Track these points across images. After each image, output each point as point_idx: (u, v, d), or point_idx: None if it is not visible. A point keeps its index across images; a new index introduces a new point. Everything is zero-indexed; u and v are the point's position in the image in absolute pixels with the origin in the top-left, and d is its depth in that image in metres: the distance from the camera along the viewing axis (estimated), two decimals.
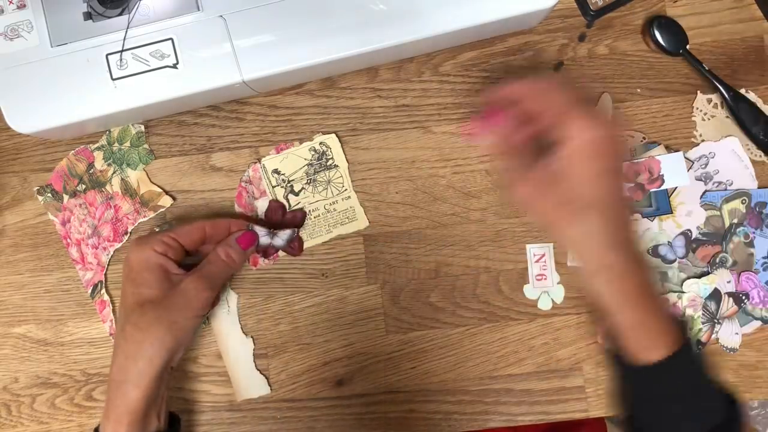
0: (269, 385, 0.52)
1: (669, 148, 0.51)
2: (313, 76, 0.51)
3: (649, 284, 0.39)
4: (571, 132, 0.37)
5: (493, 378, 0.51)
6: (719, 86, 0.50)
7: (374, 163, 0.52)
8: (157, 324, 0.43)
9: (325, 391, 0.52)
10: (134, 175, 0.53)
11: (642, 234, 0.51)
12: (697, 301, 0.51)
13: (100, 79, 0.46)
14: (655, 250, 0.51)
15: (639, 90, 0.52)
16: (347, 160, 0.52)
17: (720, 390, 0.40)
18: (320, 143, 0.52)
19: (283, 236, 0.50)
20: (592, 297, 0.40)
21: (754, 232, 0.51)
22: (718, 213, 0.51)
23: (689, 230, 0.51)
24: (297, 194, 0.52)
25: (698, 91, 0.52)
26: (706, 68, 0.50)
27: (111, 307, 0.53)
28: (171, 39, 0.46)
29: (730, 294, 0.51)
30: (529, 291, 0.52)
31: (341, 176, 0.52)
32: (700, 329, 0.51)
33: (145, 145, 0.53)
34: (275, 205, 0.51)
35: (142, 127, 0.53)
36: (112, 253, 0.53)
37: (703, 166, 0.51)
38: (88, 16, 0.46)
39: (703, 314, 0.51)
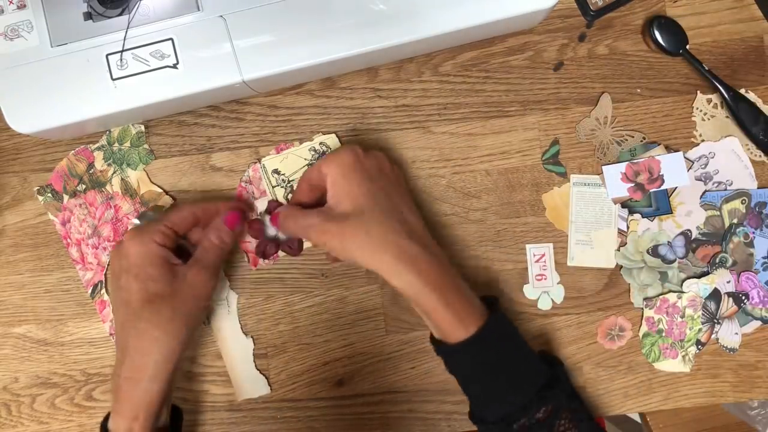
0: (269, 385, 0.52)
1: (669, 148, 0.51)
2: (313, 76, 0.51)
3: (447, 270, 0.42)
4: (324, 173, 0.44)
5: None
6: (719, 86, 0.50)
7: None
8: (172, 319, 0.43)
9: (325, 391, 0.52)
10: (134, 175, 0.53)
11: (642, 234, 0.51)
12: (697, 301, 0.51)
13: (100, 79, 0.46)
14: (655, 250, 0.51)
15: (639, 90, 0.52)
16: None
17: (536, 354, 0.44)
18: (320, 143, 0.52)
19: None
20: (395, 289, 0.42)
21: (753, 232, 0.51)
22: (718, 213, 0.51)
23: (689, 230, 0.51)
24: None
25: (698, 91, 0.52)
26: (706, 68, 0.50)
27: (111, 307, 0.53)
28: (171, 39, 0.46)
29: (729, 294, 0.51)
30: (529, 291, 0.52)
31: None
32: (700, 329, 0.51)
33: (145, 145, 0.53)
34: (275, 205, 0.51)
35: (142, 127, 0.53)
36: None
37: (703, 166, 0.51)
38: (88, 16, 0.46)
39: (703, 314, 0.51)
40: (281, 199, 0.52)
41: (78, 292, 0.53)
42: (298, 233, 0.46)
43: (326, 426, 0.52)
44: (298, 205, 0.46)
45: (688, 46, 0.51)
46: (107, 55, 0.46)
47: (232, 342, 0.52)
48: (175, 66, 0.46)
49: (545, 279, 0.52)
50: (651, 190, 0.51)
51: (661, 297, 0.51)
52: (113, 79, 0.46)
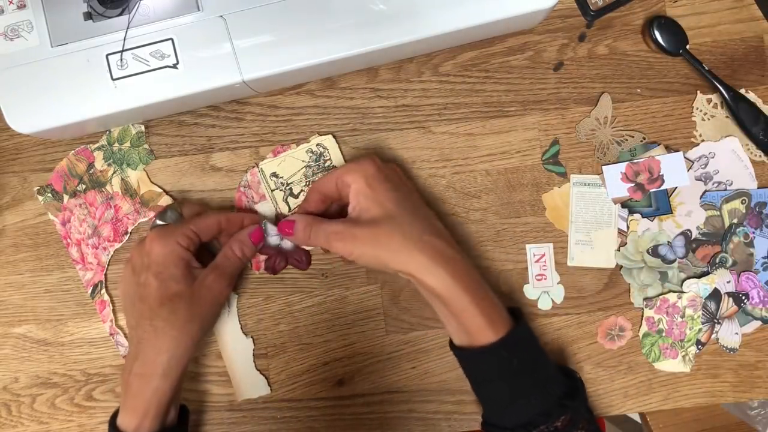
0: (269, 386, 0.52)
1: (669, 148, 0.51)
2: (313, 76, 0.51)
3: (476, 274, 0.44)
4: (348, 182, 0.44)
5: None
6: (719, 86, 0.50)
7: None
8: (190, 320, 0.44)
9: (325, 391, 0.52)
10: (134, 175, 0.53)
11: (642, 234, 0.51)
12: (697, 301, 0.51)
13: (100, 79, 0.46)
14: (655, 250, 0.51)
15: (639, 90, 0.52)
16: (345, 161, 0.52)
17: (556, 364, 0.45)
18: (317, 144, 0.52)
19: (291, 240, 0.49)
20: (428, 289, 0.42)
21: (753, 232, 0.51)
22: (718, 213, 0.51)
23: (689, 230, 0.51)
24: (296, 197, 0.52)
25: (698, 91, 0.52)
26: (706, 68, 0.50)
27: (111, 307, 0.53)
28: (171, 39, 0.46)
29: (729, 294, 0.51)
30: (529, 291, 0.52)
31: None
32: (700, 329, 0.51)
33: (145, 145, 0.53)
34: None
35: (142, 127, 0.53)
36: (112, 253, 0.53)
37: (703, 166, 0.51)
38: (88, 16, 0.46)
39: (703, 314, 0.51)
40: (280, 202, 0.52)
41: (78, 292, 0.53)
42: (318, 241, 0.45)
43: (326, 426, 0.52)
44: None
45: (688, 46, 0.51)
46: (107, 55, 0.46)
47: (233, 342, 0.52)
48: (175, 66, 0.46)
49: (545, 279, 0.52)
50: (651, 190, 0.51)
51: (661, 297, 0.51)
52: (113, 79, 0.46)
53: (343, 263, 0.52)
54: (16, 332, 0.54)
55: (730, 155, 0.51)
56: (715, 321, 0.51)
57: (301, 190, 0.52)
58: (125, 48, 0.46)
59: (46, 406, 0.53)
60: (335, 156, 0.52)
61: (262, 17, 0.45)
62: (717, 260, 0.51)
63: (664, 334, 0.51)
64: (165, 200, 0.53)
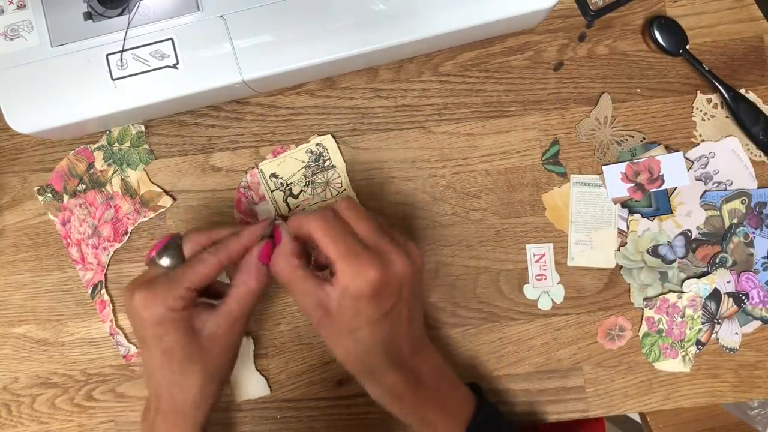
0: (269, 386, 0.52)
1: (669, 148, 0.51)
2: (313, 76, 0.51)
3: (436, 370, 0.42)
4: (343, 277, 0.38)
5: (493, 378, 0.51)
6: (719, 86, 0.50)
7: (374, 163, 0.52)
8: (195, 379, 0.40)
9: (325, 391, 0.52)
10: (134, 175, 0.53)
11: (642, 234, 0.51)
12: (697, 301, 0.51)
13: (100, 79, 0.46)
14: (655, 250, 0.51)
15: (639, 90, 0.52)
16: (344, 161, 0.52)
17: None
18: (317, 144, 0.52)
19: None
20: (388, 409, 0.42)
21: (753, 232, 0.51)
22: (718, 213, 0.51)
23: (689, 230, 0.51)
24: (296, 197, 0.52)
25: (698, 91, 0.52)
26: (706, 68, 0.50)
27: (111, 307, 0.53)
28: (171, 39, 0.46)
29: (729, 294, 0.51)
30: (529, 291, 0.52)
31: (339, 177, 0.52)
32: (700, 329, 0.51)
33: (145, 145, 0.53)
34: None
35: (142, 127, 0.53)
36: (112, 253, 0.53)
37: (703, 166, 0.51)
38: (88, 16, 0.46)
39: (703, 314, 0.51)
40: (280, 203, 0.52)
41: (78, 292, 0.53)
42: (292, 294, 0.41)
43: (326, 426, 0.52)
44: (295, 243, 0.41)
45: (688, 46, 0.51)
46: (107, 55, 0.46)
47: None
48: (175, 66, 0.46)
49: (545, 279, 0.52)
50: (651, 190, 0.51)
51: (661, 297, 0.51)
52: (113, 79, 0.46)
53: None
54: (16, 332, 0.54)
55: (730, 155, 0.51)
56: (715, 321, 0.51)
57: (301, 190, 0.52)
58: (125, 48, 0.46)
59: (46, 406, 0.53)
60: (334, 156, 0.52)
61: (262, 17, 0.45)
62: (717, 260, 0.51)
63: (664, 334, 0.51)
64: (165, 200, 0.53)
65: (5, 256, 0.54)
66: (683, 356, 0.51)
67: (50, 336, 0.53)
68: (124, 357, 0.53)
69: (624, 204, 0.51)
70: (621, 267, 0.51)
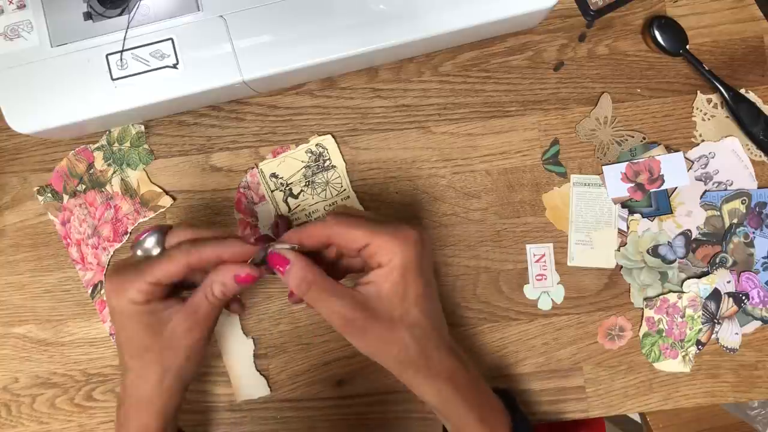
0: (269, 386, 0.52)
1: (669, 148, 0.51)
2: (313, 76, 0.51)
3: (476, 380, 0.41)
4: (379, 262, 0.38)
5: (493, 378, 0.51)
6: (719, 86, 0.50)
7: (374, 163, 0.52)
8: (153, 370, 0.40)
9: (325, 391, 0.52)
10: (134, 175, 0.53)
11: (642, 234, 0.51)
12: (697, 301, 0.51)
13: (100, 79, 0.46)
14: (655, 250, 0.51)
15: (639, 90, 0.52)
16: (345, 161, 0.52)
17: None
18: (317, 144, 0.52)
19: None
20: (428, 404, 0.41)
21: (754, 232, 0.51)
22: (718, 213, 0.51)
23: (689, 230, 0.51)
24: (296, 197, 0.52)
25: (698, 91, 0.52)
26: (706, 68, 0.50)
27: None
28: (171, 39, 0.46)
29: (730, 294, 0.51)
30: (529, 291, 0.52)
31: (339, 177, 0.52)
32: (700, 329, 0.51)
33: (145, 145, 0.53)
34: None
35: (142, 127, 0.53)
36: (112, 253, 0.53)
37: (703, 166, 0.51)
38: (88, 16, 0.46)
39: (703, 314, 0.51)
40: (280, 203, 0.52)
41: (78, 292, 0.53)
42: (315, 306, 0.39)
43: (326, 426, 0.52)
44: (305, 255, 0.39)
45: (688, 46, 0.51)
46: (107, 55, 0.46)
47: (233, 342, 0.52)
48: (175, 66, 0.46)
49: (545, 279, 0.52)
50: (651, 190, 0.51)
51: (661, 297, 0.51)
52: (113, 79, 0.46)
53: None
54: (16, 332, 0.54)
55: (730, 155, 0.51)
56: (715, 321, 0.51)
57: (301, 191, 0.52)
58: (125, 48, 0.46)
59: (46, 406, 0.53)
60: (334, 156, 0.52)
61: (262, 17, 0.45)
62: (717, 260, 0.51)
63: (664, 334, 0.51)
64: (165, 200, 0.53)
65: (5, 256, 0.54)
66: (683, 356, 0.51)
67: (50, 336, 0.53)
68: None
69: (624, 204, 0.51)
70: (621, 267, 0.51)
